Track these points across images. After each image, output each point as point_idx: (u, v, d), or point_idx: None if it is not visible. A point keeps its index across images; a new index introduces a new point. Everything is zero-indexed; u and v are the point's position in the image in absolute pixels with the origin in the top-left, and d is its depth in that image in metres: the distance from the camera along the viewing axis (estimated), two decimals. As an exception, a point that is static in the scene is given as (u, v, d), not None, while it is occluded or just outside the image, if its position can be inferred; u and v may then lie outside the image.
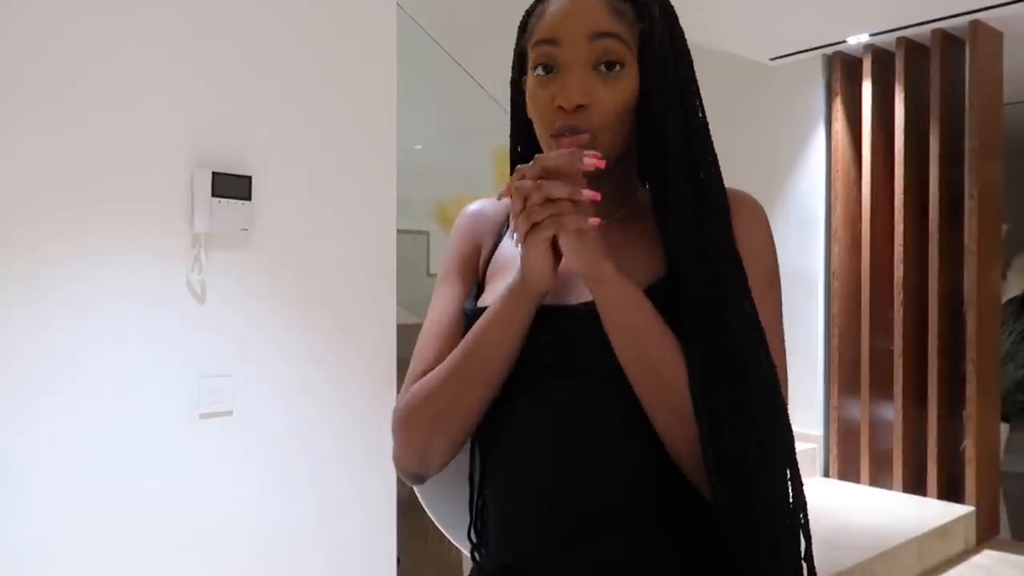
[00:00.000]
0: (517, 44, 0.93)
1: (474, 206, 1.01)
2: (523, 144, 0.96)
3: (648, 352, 0.78)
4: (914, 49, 3.88)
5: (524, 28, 0.91)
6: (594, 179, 0.85)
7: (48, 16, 1.54)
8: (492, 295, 0.89)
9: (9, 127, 1.50)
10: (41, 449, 1.53)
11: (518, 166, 0.78)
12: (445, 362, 0.86)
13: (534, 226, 0.76)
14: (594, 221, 0.75)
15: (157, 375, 1.67)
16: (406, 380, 0.92)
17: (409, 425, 0.88)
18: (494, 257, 0.94)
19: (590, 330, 0.81)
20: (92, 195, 1.59)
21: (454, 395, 0.85)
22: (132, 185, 1.64)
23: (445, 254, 0.99)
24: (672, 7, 0.88)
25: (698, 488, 0.79)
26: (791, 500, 0.78)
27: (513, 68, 0.94)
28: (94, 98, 1.59)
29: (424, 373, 0.89)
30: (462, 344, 0.85)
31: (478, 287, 0.95)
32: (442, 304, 0.94)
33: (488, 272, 0.94)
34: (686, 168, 0.83)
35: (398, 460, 0.90)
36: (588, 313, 0.81)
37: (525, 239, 0.77)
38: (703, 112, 0.86)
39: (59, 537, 1.54)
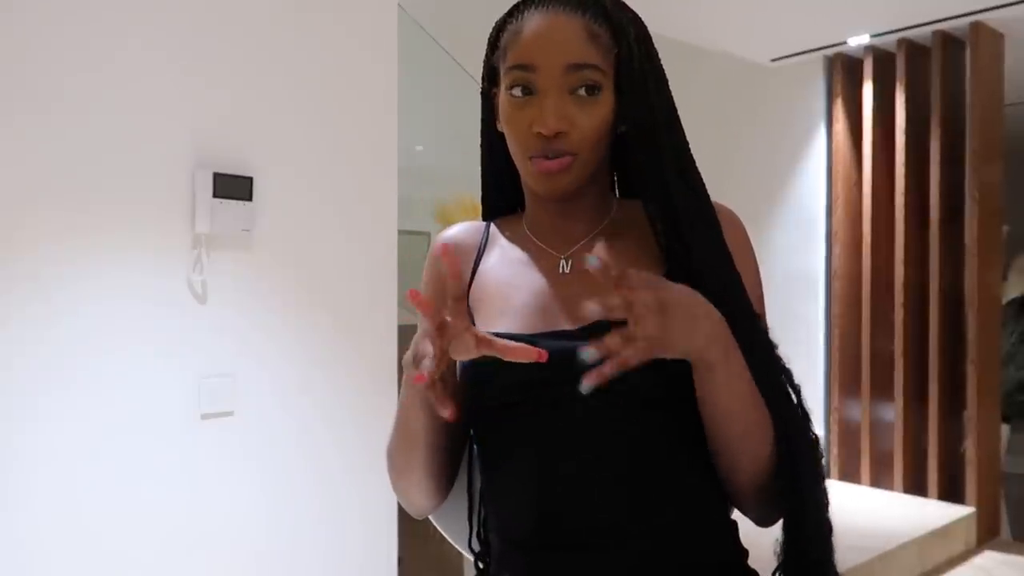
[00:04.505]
0: (487, 59, 0.92)
1: (448, 233, 1.00)
2: (493, 156, 0.96)
3: (742, 429, 0.79)
4: (915, 50, 3.88)
5: (495, 44, 0.90)
6: (574, 198, 0.87)
7: (49, 17, 1.54)
8: (483, 321, 0.88)
9: (10, 128, 1.50)
10: (42, 449, 1.53)
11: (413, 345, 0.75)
12: (395, 422, 0.88)
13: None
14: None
15: (158, 375, 1.67)
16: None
17: (388, 473, 0.92)
18: (475, 283, 0.93)
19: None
20: (93, 196, 1.59)
21: (404, 457, 0.87)
22: (133, 186, 1.64)
23: (422, 286, 0.98)
24: (646, 28, 0.87)
25: (745, 505, 0.85)
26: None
27: (483, 80, 0.94)
28: (95, 99, 1.60)
29: None
30: (397, 411, 0.87)
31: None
32: None
33: (472, 299, 0.92)
34: (683, 183, 0.85)
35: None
36: (585, 336, 0.81)
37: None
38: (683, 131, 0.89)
39: (60, 537, 1.54)
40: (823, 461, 0.87)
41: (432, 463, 0.87)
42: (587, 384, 0.68)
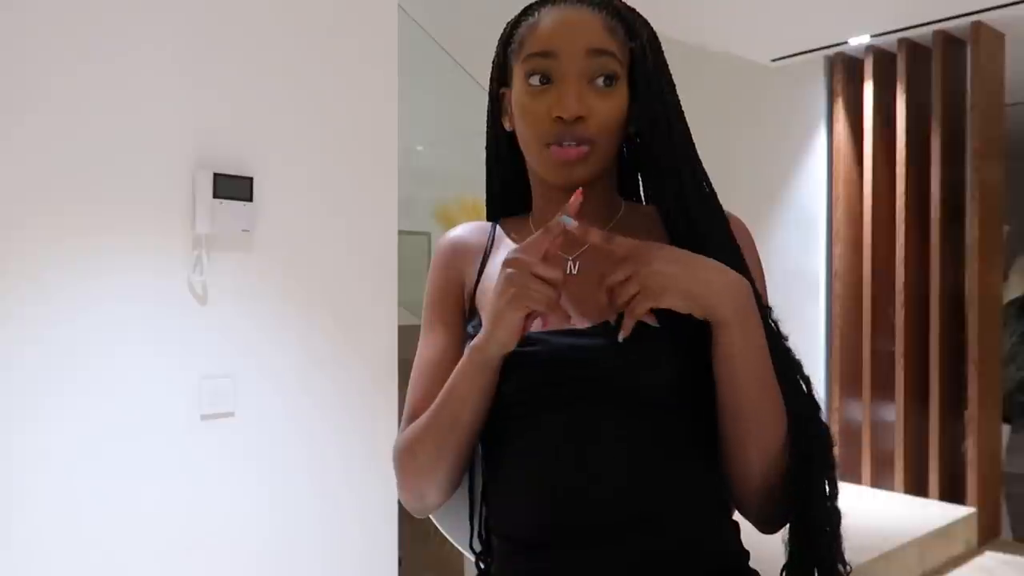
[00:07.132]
0: (498, 56, 0.92)
1: (455, 233, 1.00)
2: (499, 157, 0.96)
3: (754, 408, 0.79)
4: (915, 50, 3.88)
5: (508, 41, 0.90)
6: (584, 194, 0.87)
7: (49, 17, 1.54)
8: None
9: (11, 129, 1.50)
10: (43, 450, 1.53)
11: (512, 251, 0.79)
12: (426, 413, 0.87)
13: (513, 300, 0.77)
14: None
15: (158, 376, 1.67)
16: (403, 418, 0.93)
17: (402, 470, 0.90)
18: (481, 283, 0.93)
19: (594, 353, 0.82)
20: (93, 197, 1.59)
21: (435, 448, 0.86)
22: (133, 187, 1.64)
23: (428, 285, 0.98)
24: (656, 34, 0.88)
25: (750, 503, 0.84)
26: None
27: (492, 80, 0.94)
28: (96, 100, 1.60)
29: (416, 414, 0.91)
30: (437, 400, 0.86)
31: (471, 311, 0.94)
32: (427, 344, 0.96)
33: (479, 300, 0.93)
34: (695, 182, 0.86)
35: (400, 497, 0.93)
36: (592, 336, 0.82)
37: (503, 313, 0.78)
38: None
39: (60, 537, 1.54)
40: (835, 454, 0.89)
41: (461, 453, 0.87)
42: (623, 335, 0.78)
